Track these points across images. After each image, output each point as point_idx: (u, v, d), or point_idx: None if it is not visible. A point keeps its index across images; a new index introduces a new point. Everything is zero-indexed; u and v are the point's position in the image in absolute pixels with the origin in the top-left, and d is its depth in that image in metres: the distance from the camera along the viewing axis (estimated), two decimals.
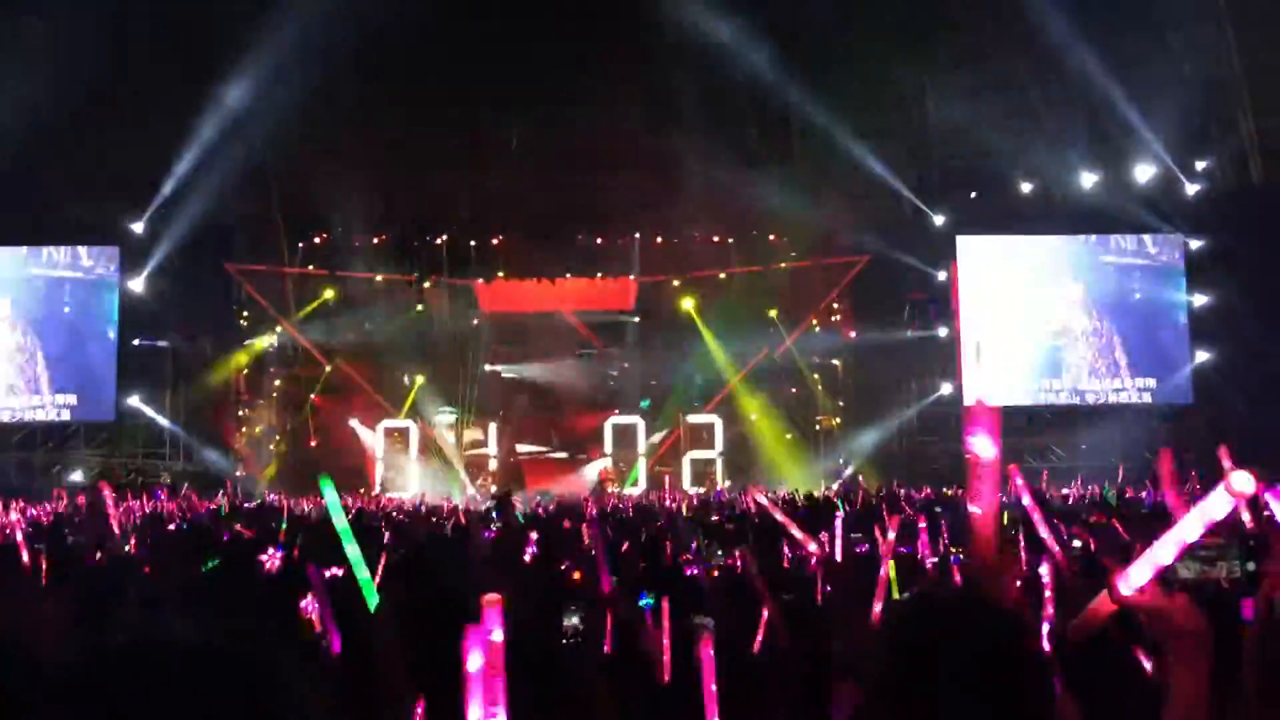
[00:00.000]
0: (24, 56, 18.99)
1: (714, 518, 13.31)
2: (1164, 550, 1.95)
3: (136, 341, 23.98)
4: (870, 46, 21.56)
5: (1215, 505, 1.87)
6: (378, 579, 6.14)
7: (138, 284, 23.80)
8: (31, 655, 1.89)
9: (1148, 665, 3.23)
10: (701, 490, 24.04)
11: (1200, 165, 23.54)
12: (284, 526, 10.45)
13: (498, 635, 1.56)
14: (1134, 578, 1.95)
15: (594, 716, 2.38)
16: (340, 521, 2.80)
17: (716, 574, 6.80)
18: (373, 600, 2.59)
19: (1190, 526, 1.92)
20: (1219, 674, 1.86)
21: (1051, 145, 23.55)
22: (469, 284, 27.35)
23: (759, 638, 3.71)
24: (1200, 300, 23.93)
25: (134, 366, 24.00)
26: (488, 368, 27.91)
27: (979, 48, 23.11)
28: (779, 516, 4.99)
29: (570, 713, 2.24)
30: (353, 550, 2.75)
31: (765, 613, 3.70)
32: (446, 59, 22.18)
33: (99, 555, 7.03)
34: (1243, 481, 1.78)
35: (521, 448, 27.75)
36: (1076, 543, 8.89)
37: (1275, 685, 1.35)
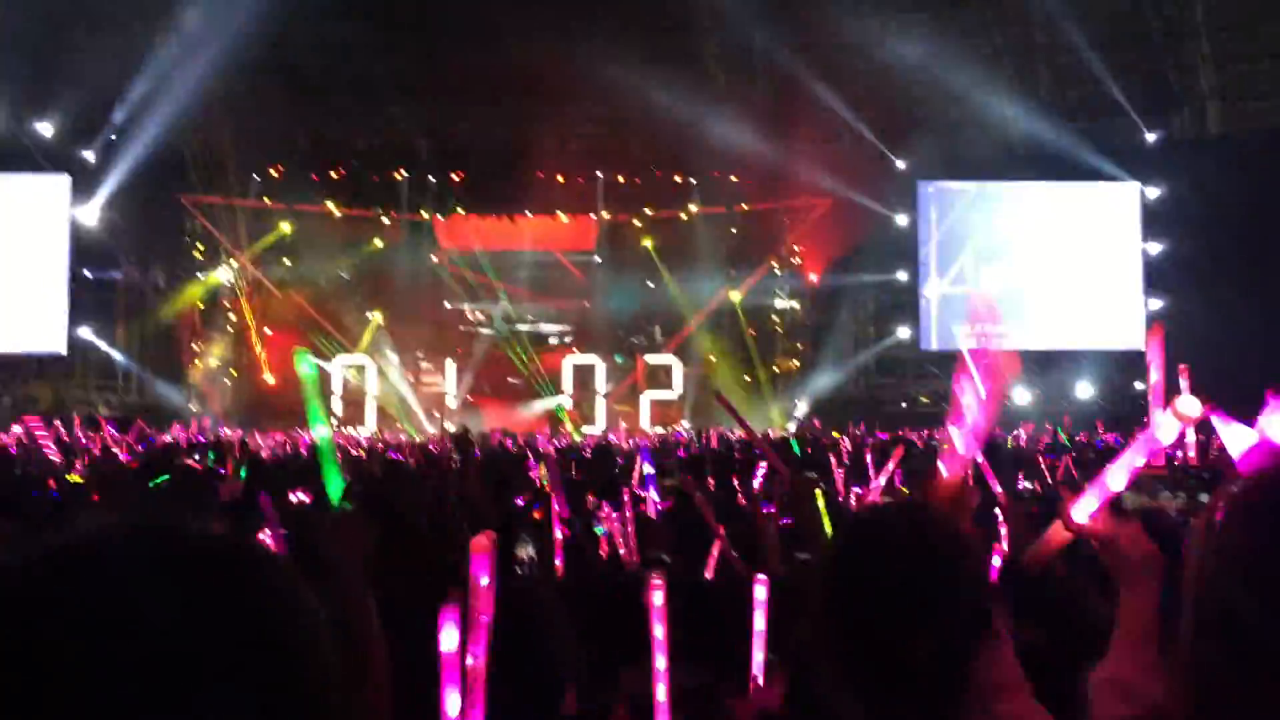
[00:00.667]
0: None
1: (671, 457, 13.36)
2: (1115, 477, 1.98)
3: (88, 273, 23.55)
4: None
5: (1163, 429, 1.89)
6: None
7: (89, 214, 23.29)
8: None
9: (1096, 597, 3.29)
10: (660, 430, 24.12)
11: (1159, 115, 23.66)
12: (236, 461, 10.37)
13: (485, 580, 1.56)
14: (1086, 505, 1.97)
15: (549, 644, 2.37)
16: (314, 399, 2.69)
17: (668, 506, 6.83)
18: (337, 490, 2.49)
19: (1139, 452, 1.95)
20: (1169, 601, 1.88)
21: (1014, 92, 23.55)
22: (428, 220, 27.06)
23: (711, 566, 3.73)
24: (1155, 248, 24.17)
25: (85, 298, 23.60)
26: (447, 305, 27.71)
27: None
28: (762, 445, 5.00)
29: (527, 643, 2.23)
30: (322, 431, 2.66)
31: (717, 542, 3.72)
32: None
33: (49, 485, 6.95)
34: (1189, 405, 1.79)
35: (480, 386, 27.64)
36: (1026, 484, 9.01)
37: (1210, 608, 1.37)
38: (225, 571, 0.84)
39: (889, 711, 1.42)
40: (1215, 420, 2.47)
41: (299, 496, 5.85)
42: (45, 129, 22.50)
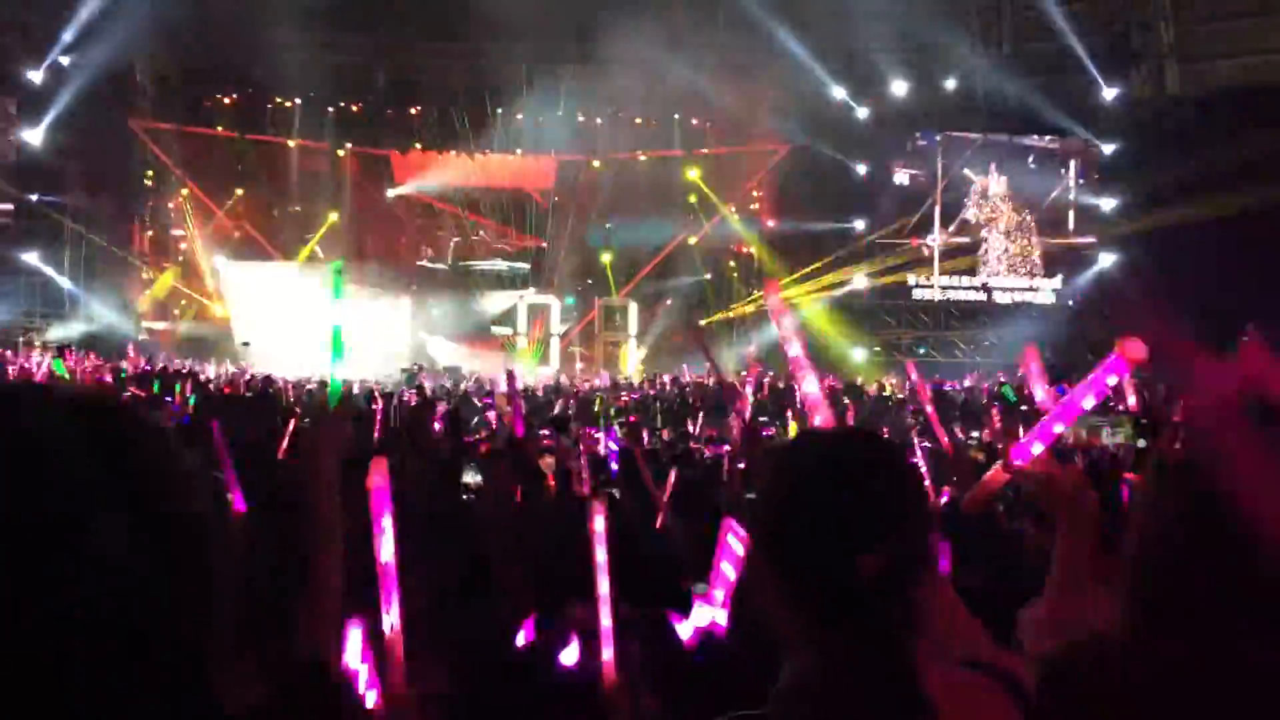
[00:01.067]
0: None
1: (624, 397, 13.46)
2: (1056, 421, 2.02)
3: (34, 196, 23.01)
4: None
5: (1108, 371, 1.92)
6: (283, 445, 6.11)
7: (35, 136, 22.72)
8: None
9: (1032, 537, 3.37)
10: (615, 372, 24.19)
11: (1118, 72, 23.78)
12: (185, 392, 10.29)
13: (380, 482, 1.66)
14: (1028, 448, 2.01)
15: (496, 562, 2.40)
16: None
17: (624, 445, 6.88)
18: (335, 392, 2.53)
19: (1083, 394, 1.99)
20: (1104, 544, 1.92)
21: (975, 44, 23.58)
22: (385, 154, 26.69)
23: (660, 511, 3.77)
24: (1110, 204, 24.40)
25: (31, 222, 23.12)
26: (402, 240, 27.46)
27: None
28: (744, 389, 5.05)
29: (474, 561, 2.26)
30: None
31: (668, 486, 3.76)
32: None
33: None
34: (1135, 348, 1.83)
35: (434, 324, 27.46)
36: (976, 434, 9.16)
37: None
38: (112, 418, 0.99)
39: (832, 634, 1.44)
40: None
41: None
42: None
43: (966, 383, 16.92)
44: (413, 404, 9.16)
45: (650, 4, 22.98)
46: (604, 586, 2.15)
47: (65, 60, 22.45)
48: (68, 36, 21.83)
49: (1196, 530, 1.40)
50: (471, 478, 4.27)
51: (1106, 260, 24.18)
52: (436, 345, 26.60)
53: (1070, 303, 24.47)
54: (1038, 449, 1.99)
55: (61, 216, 23.47)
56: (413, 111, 25.99)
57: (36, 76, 22.55)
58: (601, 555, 2.16)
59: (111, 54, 21.61)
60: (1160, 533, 1.46)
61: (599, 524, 2.18)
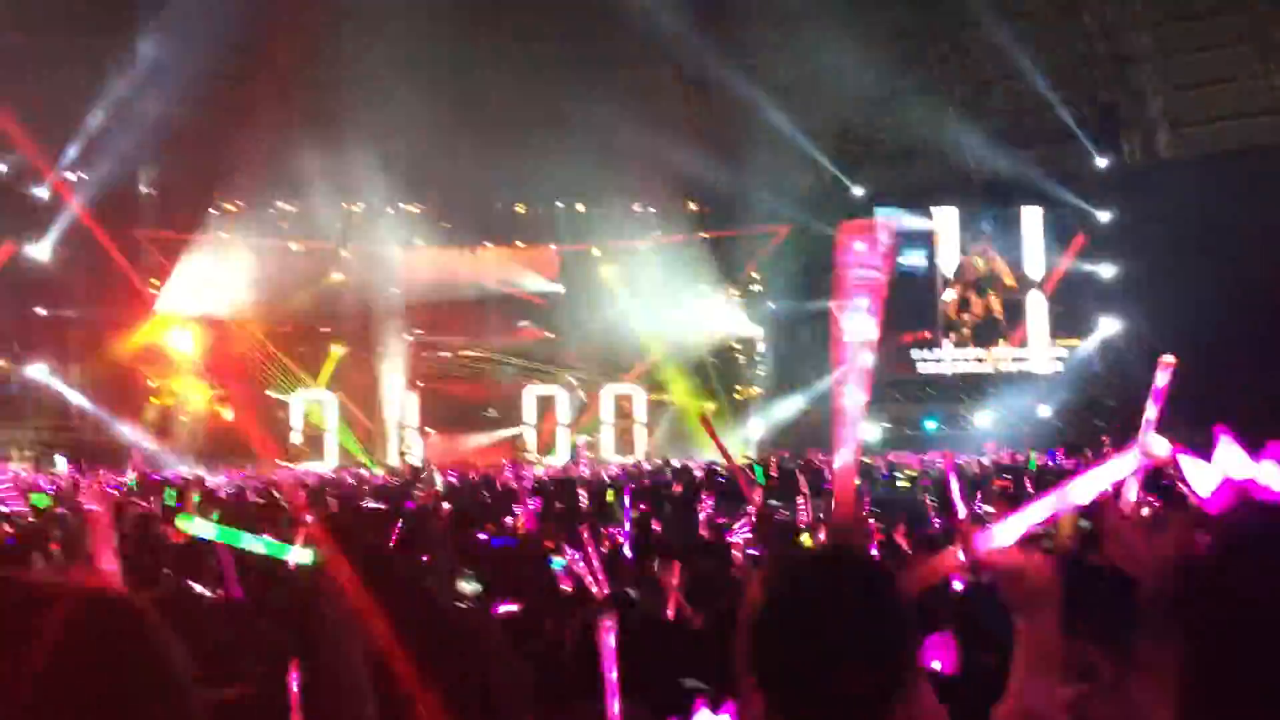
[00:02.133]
0: None
1: (633, 486, 13.37)
2: (1039, 511, 1.96)
3: (41, 310, 23.20)
4: (789, 17, 21.61)
5: (1118, 467, 1.87)
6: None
7: (42, 250, 22.99)
8: None
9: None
10: (624, 460, 24.08)
11: (1110, 140, 24.04)
12: (197, 500, 10.25)
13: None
14: (999, 537, 1.96)
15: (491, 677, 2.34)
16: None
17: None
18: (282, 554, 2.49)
19: (1081, 489, 1.92)
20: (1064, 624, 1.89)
21: (966, 118, 23.86)
22: (386, 252, 26.89)
23: (669, 604, 3.71)
24: (1108, 272, 24.47)
25: (39, 336, 23.29)
26: (407, 338, 27.53)
27: (898, 23, 23.30)
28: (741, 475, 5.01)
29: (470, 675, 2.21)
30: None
31: (674, 579, 3.71)
32: (360, 23, 21.70)
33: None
34: (1158, 444, 1.77)
35: (440, 419, 27.44)
36: (989, 508, 9.05)
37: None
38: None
39: None
40: (1182, 459, 2.45)
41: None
42: None
43: (985, 457, 16.79)
44: (420, 504, 9.11)
45: (643, 90, 23.38)
46: (615, 707, 2.09)
47: (70, 175, 22.84)
48: (72, 152, 22.23)
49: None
50: (470, 586, 4.19)
51: (1109, 328, 24.20)
52: (439, 438, 26.57)
53: (1077, 370, 24.44)
54: (1005, 539, 1.93)
55: (68, 329, 23.65)
56: (414, 209, 26.27)
57: (42, 192, 22.90)
58: (613, 674, 2.11)
59: (114, 167, 21.97)
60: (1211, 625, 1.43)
61: (609, 641, 2.13)
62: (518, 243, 26.79)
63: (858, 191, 25.12)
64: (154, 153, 22.48)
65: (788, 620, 1.53)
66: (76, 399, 23.62)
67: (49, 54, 20.09)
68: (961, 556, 2.01)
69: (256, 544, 2.58)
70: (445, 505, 8.88)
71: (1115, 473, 1.88)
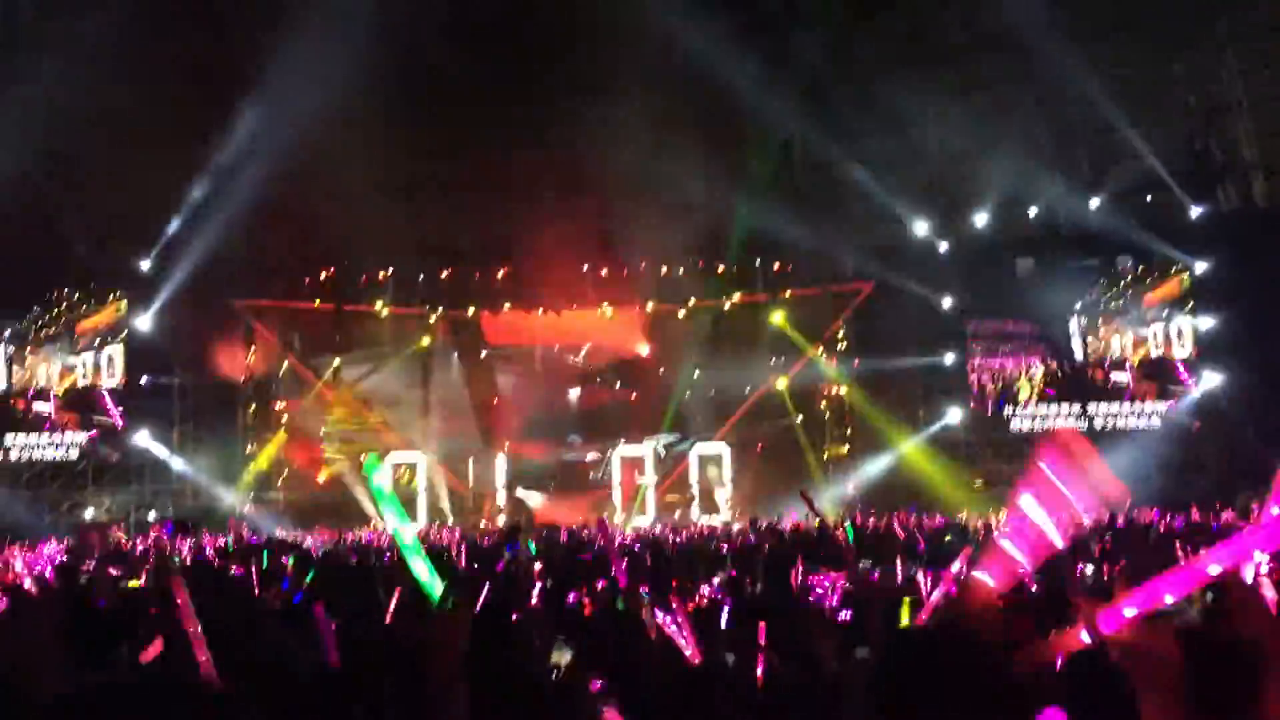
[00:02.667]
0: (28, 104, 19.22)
1: (723, 546, 13.29)
2: (1166, 589, 1.89)
3: (144, 379, 24.00)
4: (873, 73, 21.66)
5: (1255, 543, 1.79)
6: (389, 616, 6.11)
7: (145, 322, 23.86)
8: (30, 694, 1.90)
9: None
10: (710, 521, 23.96)
11: (1204, 189, 23.57)
12: (293, 561, 10.42)
13: None
14: (1119, 612, 1.90)
15: None
16: (390, 502, 2.63)
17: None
18: (433, 588, 2.47)
19: (1214, 559, 1.84)
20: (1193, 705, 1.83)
21: (1055, 170, 23.62)
22: (475, 316, 27.35)
23: (760, 672, 3.69)
24: (1206, 324, 23.91)
25: (141, 404, 24.07)
26: (496, 401, 27.88)
27: (983, 75, 23.21)
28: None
29: None
30: (407, 533, 2.61)
31: (762, 639, 3.68)
32: (449, 92, 22.23)
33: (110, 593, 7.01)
34: None
35: (527, 479, 27.66)
36: (1089, 569, 8.82)
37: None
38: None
39: None
40: None
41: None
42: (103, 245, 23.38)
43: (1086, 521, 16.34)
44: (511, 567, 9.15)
45: (725, 149, 23.51)
46: None
47: (173, 247, 23.75)
48: (173, 227, 23.18)
49: None
50: (564, 655, 4.18)
51: (1211, 381, 23.58)
52: (531, 499, 26.79)
53: (1178, 426, 23.81)
54: (1130, 613, 1.88)
55: (170, 396, 24.41)
56: (500, 274, 26.73)
57: (145, 265, 23.80)
58: None
59: (212, 240, 22.81)
60: None
61: None
62: (604, 304, 27.02)
63: (943, 246, 24.90)
64: (250, 225, 23.17)
65: (902, 702, 1.54)
66: (178, 464, 24.28)
67: (152, 129, 20.92)
68: (1086, 637, 1.97)
69: (419, 561, 2.54)
70: (537, 566, 8.91)
71: (1240, 553, 1.81)
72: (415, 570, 2.44)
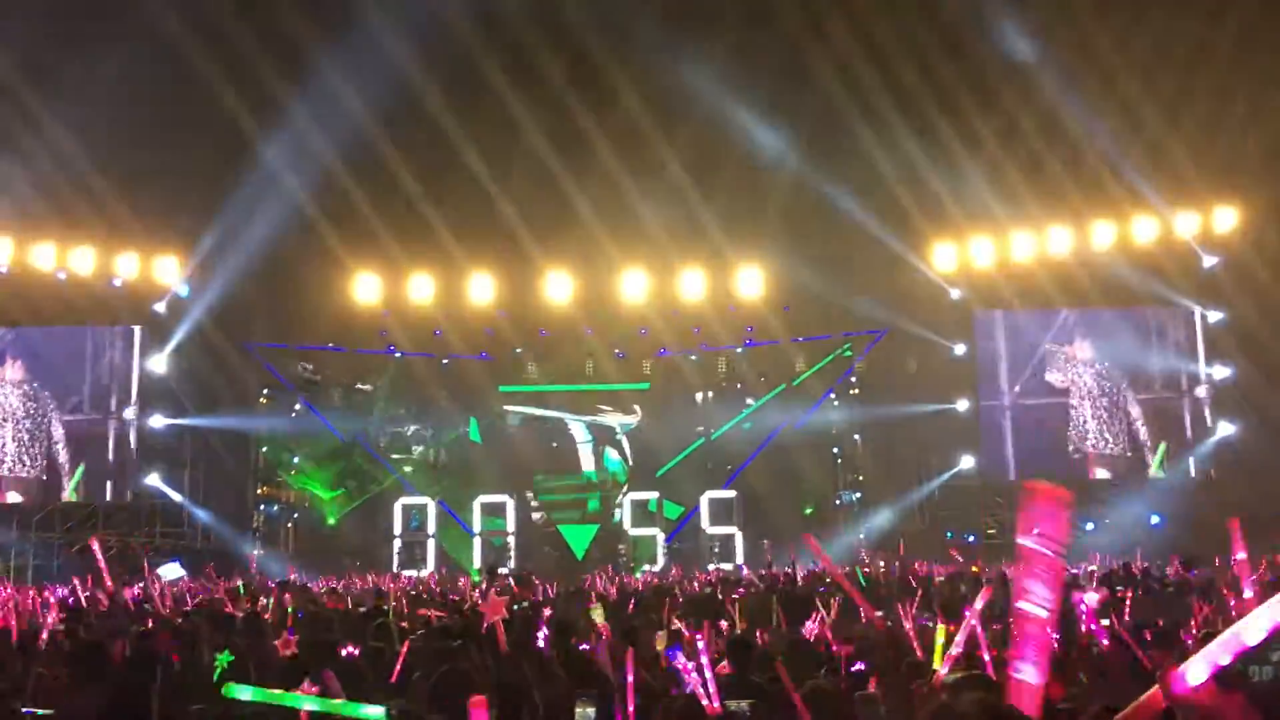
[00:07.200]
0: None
1: (738, 592, 13.18)
2: (1222, 648, 1.85)
3: (155, 421, 23.94)
4: (880, 121, 21.70)
5: None
6: (398, 667, 6.08)
7: (158, 363, 23.85)
8: None
9: None
10: (720, 567, 23.76)
11: (1216, 237, 23.50)
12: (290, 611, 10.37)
13: None
14: (1191, 675, 1.85)
15: None
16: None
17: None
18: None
19: (1257, 624, 1.80)
20: None
21: (1068, 219, 23.61)
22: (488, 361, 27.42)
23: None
24: (1221, 373, 23.79)
25: (153, 445, 24.03)
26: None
27: (995, 123, 23.21)
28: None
29: None
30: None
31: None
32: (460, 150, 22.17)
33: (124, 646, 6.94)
34: None
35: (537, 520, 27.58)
36: (1105, 622, 8.72)
37: None
38: None
39: None
40: None
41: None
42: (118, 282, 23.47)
43: (1093, 567, 16.17)
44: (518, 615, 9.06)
45: (739, 198, 23.51)
46: None
47: (185, 291, 23.83)
48: (186, 272, 23.37)
49: None
50: (587, 713, 4.12)
51: (1224, 430, 23.43)
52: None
53: (1190, 476, 23.67)
54: (1199, 675, 1.83)
55: (181, 438, 24.36)
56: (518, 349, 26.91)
57: (160, 307, 23.84)
58: None
59: (227, 283, 22.93)
60: None
61: None
62: (615, 351, 27.03)
63: (955, 294, 24.80)
64: (263, 270, 23.23)
65: None
66: (190, 507, 24.14)
67: (166, 170, 21.12)
68: (1162, 700, 1.91)
69: (310, 704, 2.53)
70: (546, 611, 8.85)
71: None
72: None
